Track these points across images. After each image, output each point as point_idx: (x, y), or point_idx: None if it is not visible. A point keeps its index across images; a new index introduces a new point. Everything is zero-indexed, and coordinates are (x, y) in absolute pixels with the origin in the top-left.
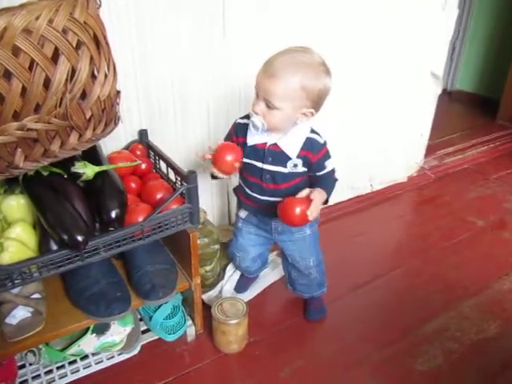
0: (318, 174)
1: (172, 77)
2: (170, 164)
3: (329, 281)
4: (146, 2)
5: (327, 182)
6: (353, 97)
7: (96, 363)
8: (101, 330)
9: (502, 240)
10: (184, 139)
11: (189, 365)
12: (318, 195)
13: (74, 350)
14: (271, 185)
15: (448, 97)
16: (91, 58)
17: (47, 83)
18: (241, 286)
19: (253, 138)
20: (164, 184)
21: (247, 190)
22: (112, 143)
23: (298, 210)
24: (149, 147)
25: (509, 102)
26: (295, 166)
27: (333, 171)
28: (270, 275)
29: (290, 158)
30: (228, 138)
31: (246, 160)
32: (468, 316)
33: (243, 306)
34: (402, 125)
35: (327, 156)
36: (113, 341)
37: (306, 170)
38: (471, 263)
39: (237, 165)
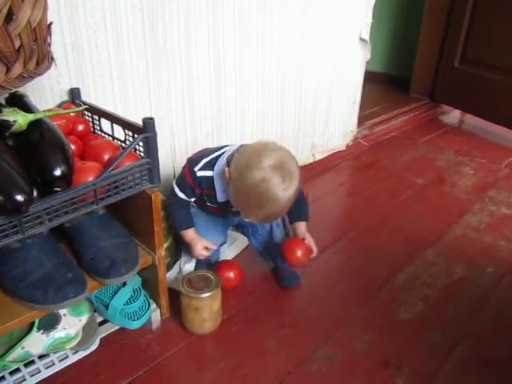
0: None
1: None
2: (116, 119)
3: None
4: None
5: (304, 207)
6: (292, 67)
7: (46, 368)
8: (49, 324)
9: (444, 193)
10: (123, 99)
11: (159, 354)
12: (308, 235)
13: (16, 354)
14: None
15: None
16: None
17: None
18: (201, 266)
19: (223, 196)
20: (110, 143)
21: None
22: (37, 104)
23: (299, 253)
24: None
25: (419, 77)
26: None
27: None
28: (230, 250)
29: None
30: (188, 189)
31: (212, 208)
32: (434, 262)
33: (214, 276)
34: (337, 91)
35: None
36: (67, 335)
37: None
38: (423, 216)
39: None
